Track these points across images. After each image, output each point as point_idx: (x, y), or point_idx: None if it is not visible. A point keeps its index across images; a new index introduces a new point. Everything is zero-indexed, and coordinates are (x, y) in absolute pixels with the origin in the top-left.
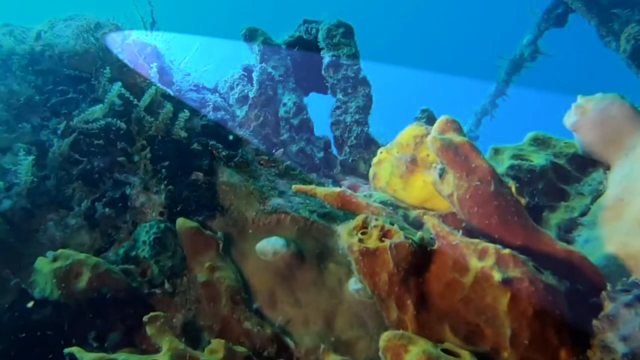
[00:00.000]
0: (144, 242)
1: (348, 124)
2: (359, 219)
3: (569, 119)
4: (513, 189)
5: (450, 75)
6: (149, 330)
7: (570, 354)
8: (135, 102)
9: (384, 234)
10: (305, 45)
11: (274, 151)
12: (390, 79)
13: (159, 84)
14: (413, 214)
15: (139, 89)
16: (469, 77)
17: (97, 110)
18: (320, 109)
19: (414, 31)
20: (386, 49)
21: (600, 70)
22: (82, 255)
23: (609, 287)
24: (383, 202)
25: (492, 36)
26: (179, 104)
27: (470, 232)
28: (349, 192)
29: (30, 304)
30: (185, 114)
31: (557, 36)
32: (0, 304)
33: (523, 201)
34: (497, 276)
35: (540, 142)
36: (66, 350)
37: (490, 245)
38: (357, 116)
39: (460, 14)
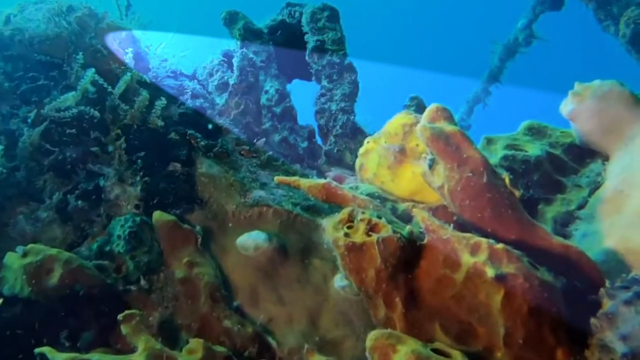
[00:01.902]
0: (119, 236)
1: (333, 112)
2: (344, 212)
3: (566, 106)
4: (507, 181)
5: (440, 63)
6: (124, 329)
7: (567, 354)
8: (110, 89)
9: (371, 228)
10: (289, 29)
11: (255, 141)
12: (378, 66)
13: (134, 70)
14: (402, 206)
15: (113, 75)
16: (460, 64)
17: (70, 97)
18: (304, 96)
19: (404, 20)
20: (374, 36)
21: (598, 55)
22: (54, 251)
23: (607, 283)
24: (370, 195)
25: (485, 25)
26: (155, 91)
27: (461, 226)
28: (334, 183)
29: None
30: (162, 101)
31: (553, 20)
32: None
33: (517, 193)
34: (490, 272)
35: (535, 132)
36: (37, 350)
37: (483, 240)
38: (342, 104)
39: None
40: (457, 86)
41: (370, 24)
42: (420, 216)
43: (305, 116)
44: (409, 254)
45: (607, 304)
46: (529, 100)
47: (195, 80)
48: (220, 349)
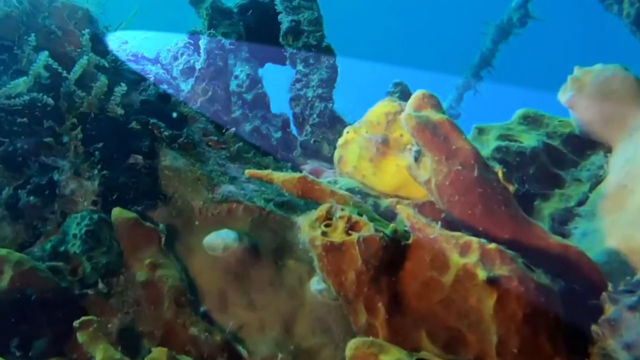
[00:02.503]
0: (75, 235)
1: (310, 99)
2: (322, 209)
3: (564, 93)
4: (500, 175)
5: (426, 51)
6: (80, 336)
7: None
8: (65, 74)
9: (351, 226)
10: (261, 8)
11: (224, 131)
12: (359, 52)
13: (91, 54)
14: (385, 203)
15: (68, 59)
16: (448, 52)
17: (21, 83)
18: (277, 82)
19: (387, 7)
20: (353, 24)
21: (600, 37)
22: (4, 251)
23: (610, 287)
24: (350, 190)
25: (475, 10)
26: (114, 76)
27: (450, 224)
28: (310, 177)
29: None
30: (122, 88)
31: None
32: None
33: (511, 188)
34: (481, 274)
35: (531, 121)
36: None
37: (474, 239)
38: (320, 90)
39: None
40: (444, 75)
41: (348, 11)
42: (405, 213)
43: (279, 104)
44: (393, 255)
45: (610, 310)
46: (524, 86)
47: (159, 65)
48: (186, 358)
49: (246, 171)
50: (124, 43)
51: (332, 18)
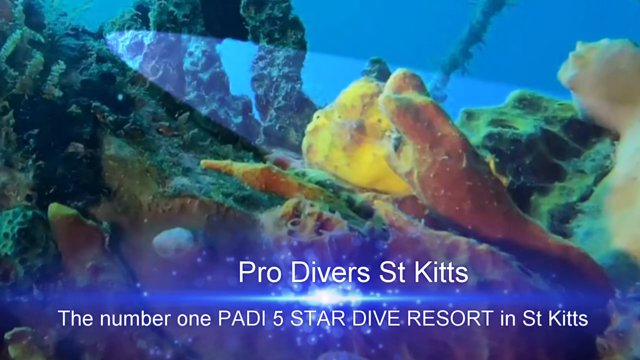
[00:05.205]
0: (6, 235)
1: (274, 79)
2: (288, 205)
3: (566, 72)
4: (492, 166)
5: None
6: (12, 350)
7: None
8: None
9: (322, 225)
10: None
11: (177, 115)
12: (330, 23)
13: (25, 27)
14: (360, 197)
15: None
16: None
17: None
18: (237, 60)
19: None
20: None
21: (605, 9)
22: None
23: (617, 293)
24: (321, 183)
25: None
26: (52, 53)
27: (435, 222)
28: (275, 169)
29: None
30: (61, 66)
31: None
32: None
33: (505, 181)
34: (471, 280)
35: (527, 104)
36: None
37: (462, 239)
38: (286, 69)
39: None
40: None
41: None
42: (384, 209)
43: (240, 85)
44: (369, 257)
45: (618, 320)
46: (520, 64)
47: (102, 40)
48: None
49: (202, 161)
50: (62, 15)
51: None
